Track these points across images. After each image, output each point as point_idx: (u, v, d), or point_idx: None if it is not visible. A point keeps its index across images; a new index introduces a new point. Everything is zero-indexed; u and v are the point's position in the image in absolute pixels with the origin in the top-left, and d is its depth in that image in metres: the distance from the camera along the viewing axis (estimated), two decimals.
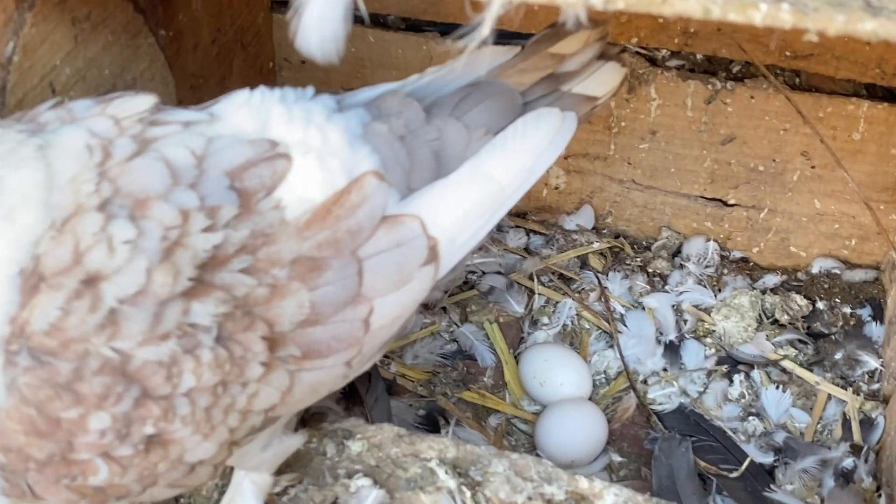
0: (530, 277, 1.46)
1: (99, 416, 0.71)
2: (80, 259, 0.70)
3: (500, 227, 1.51)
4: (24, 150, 0.73)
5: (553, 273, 1.47)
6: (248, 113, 0.84)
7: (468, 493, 1.05)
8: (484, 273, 1.47)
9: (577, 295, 1.44)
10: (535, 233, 1.52)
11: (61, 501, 0.75)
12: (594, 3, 0.64)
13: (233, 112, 0.84)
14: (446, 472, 1.07)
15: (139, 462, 0.75)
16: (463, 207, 0.91)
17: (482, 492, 1.06)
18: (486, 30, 0.65)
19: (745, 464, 1.23)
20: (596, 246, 1.49)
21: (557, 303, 1.44)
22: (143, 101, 0.79)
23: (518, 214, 1.53)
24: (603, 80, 1.05)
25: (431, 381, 1.37)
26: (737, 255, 1.47)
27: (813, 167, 1.35)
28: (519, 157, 0.95)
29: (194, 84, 1.25)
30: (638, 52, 1.33)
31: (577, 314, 1.43)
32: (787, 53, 1.30)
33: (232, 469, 1.04)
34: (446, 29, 1.40)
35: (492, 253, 1.49)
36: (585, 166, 1.45)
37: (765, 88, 1.30)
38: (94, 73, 1.04)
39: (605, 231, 1.51)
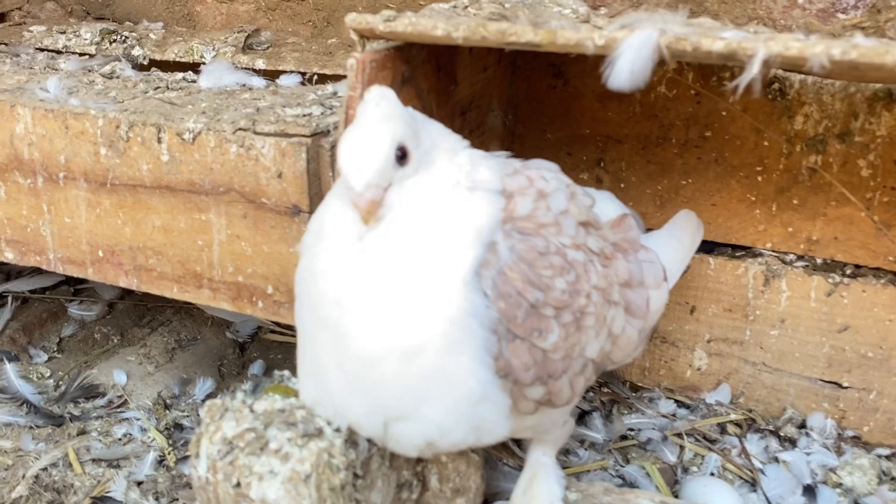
0: (679, 435, 1.51)
1: (559, 280, 0.91)
2: (532, 183, 0.95)
3: (650, 399, 1.58)
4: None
5: (698, 434, 1.51)
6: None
7: None
8: (640, 430, 1.52)
9: (721, 452, 1.47)
10: (682, 404, 1.58)
11: (520, 365, 0.89)
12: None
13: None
14: None
15: (570, 337, 0.92)
16: (669, 253, 1.19)
17: None
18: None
19: None
20: (733, 417, 1.54)
21: (703, 456, 1.46)
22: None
23: (669, 389, 1.60)
24: None
25: None
26: (849, 433, 1.50)
27: None
28: (688, 232, 1.28)
29: None
30: (772, 254, 1.49)
31: (722, 466, 1.45)
32: (890, 258, 1.44)
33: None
34: None
35: (647, 414, 1.55)
36: (724, 350, 1.55)
37: (873, 284, 1.43)
38: None
39: (737, 410, 1.56)
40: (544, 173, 0.98)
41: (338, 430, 0.93)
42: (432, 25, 0.94)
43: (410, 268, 0.86)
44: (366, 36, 0.99)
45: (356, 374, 0.89)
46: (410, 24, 0.95)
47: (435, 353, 0.87)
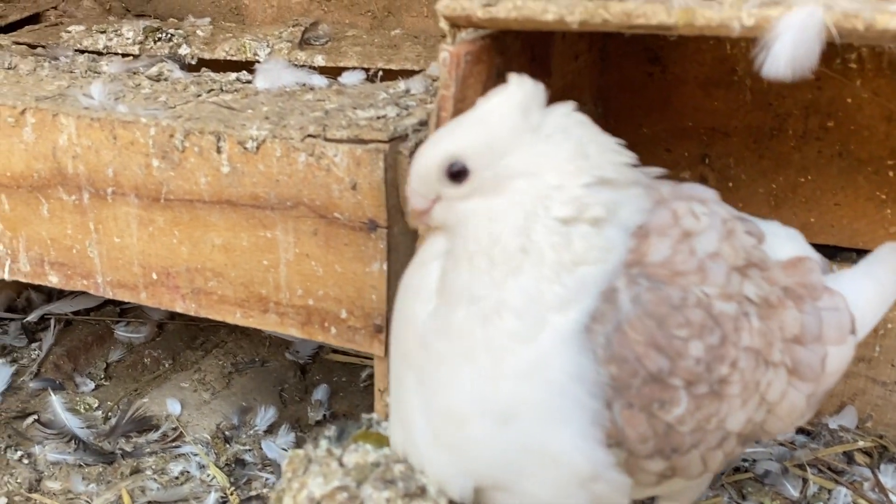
0: (801, 466, 1.38)
1: (697, 344, 0.76)
2: (677, 221, 0.81)
3: None
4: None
5: (822, 464, 1.38)
6: None
7: None
8: (755, 461, 1.40)
9: (850, 485, 1.34)
10: (800, 430, 1.45)
11: (635, 436, 0.76)
12: None
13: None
14: None
15: (704, 408, 0.77)
16: (864, 298, 0.97)
17: None
18: None
19: None
20: (861, 444, 1.41)
21: (831, 491, 1.34)
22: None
23: None
24: None
25: None
26: None
27: None
28: (894, 272, 1.03)
29: None
30: None
31: (853, 501, 1.32)
32: None
33: None
34: None
35: (762, 443, 1.42)
36: (849, 368, 1.41)
37: None
38: None
39: (865, 436, 1.43)
40: (695, 207, 0.83)
41: None
42: (542, 9, 0.83)
43: (497, 314, 0.75)
44: (458, 24, 0.88)
45: (443, 429, 0.79)
46: (515, 9, 0.84)
47: (532, 423, 0.76)
